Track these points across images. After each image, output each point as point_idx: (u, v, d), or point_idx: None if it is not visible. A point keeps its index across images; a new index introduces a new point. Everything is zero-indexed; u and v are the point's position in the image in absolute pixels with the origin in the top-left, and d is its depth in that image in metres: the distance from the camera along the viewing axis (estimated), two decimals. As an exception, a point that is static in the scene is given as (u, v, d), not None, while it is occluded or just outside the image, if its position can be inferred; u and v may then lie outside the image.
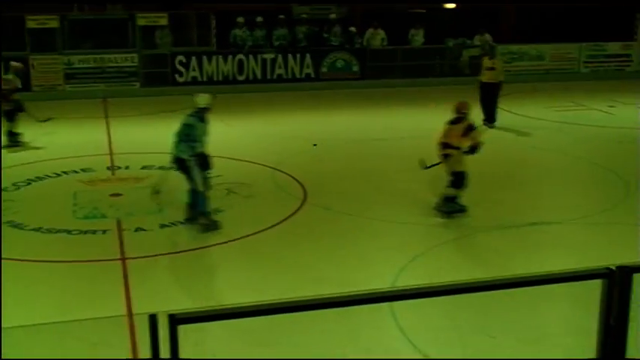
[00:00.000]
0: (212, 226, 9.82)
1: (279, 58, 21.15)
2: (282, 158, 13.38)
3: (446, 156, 10.39)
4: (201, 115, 9.84)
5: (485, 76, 16.65)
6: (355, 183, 12.28)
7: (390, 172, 12.95)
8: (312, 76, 21.47)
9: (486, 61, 16.92)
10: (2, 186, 11.66)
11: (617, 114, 18.02)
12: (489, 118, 16.44)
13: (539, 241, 9.74)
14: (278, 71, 21.20)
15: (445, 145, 10.38)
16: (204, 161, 9.74)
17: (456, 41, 22.45)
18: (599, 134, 15.88)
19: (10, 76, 14.98)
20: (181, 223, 10.03)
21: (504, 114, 17.82)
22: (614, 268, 3.79)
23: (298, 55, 21.31)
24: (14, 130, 14.54)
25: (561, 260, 8.60)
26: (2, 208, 10.59)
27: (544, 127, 16.56)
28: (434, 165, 10.67)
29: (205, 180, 9.85)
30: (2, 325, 6.50)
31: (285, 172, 12.36)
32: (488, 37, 22.55)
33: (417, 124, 16.83)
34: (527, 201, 11.47)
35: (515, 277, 3.82)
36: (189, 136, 9.65)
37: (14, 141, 14.47)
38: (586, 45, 23.17)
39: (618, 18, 23.61)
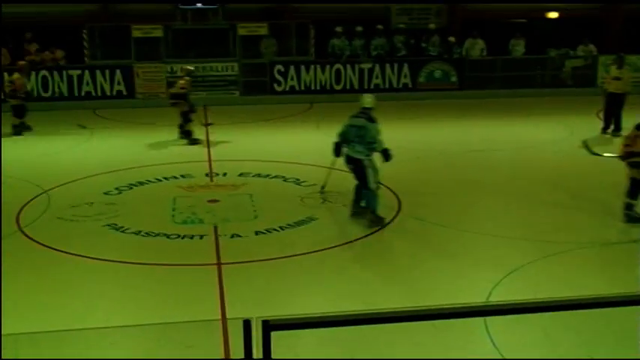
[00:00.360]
0: (378, 222, 10.34)
1: (377, 68, 21.16)
2: (377, 168, 13.31)
3: (633, 165, 10.15)
4: (368, 115, 10.40)
5: (612, 86, 16.39)
6: (451, 194, 12.12)
7: (488, 185, 12.74)
8: (410, 86, 21.38)
9: (613, 71, 16.67)
10: (105, 190, 12.07)
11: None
12: (617, 127, 16.28)
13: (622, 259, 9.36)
14: (375, 81, 21.21)
15: (630, 154, 10.13)
16: (386, 156, 10.34)
17: (559, 51, 21.93)
18: None
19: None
20: (275, 230, 10.13)
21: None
22: None
23: (396, 65, 21.27)
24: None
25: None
26: (103, 211, 10.96)
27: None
28: (596, 154, 10.74)
29: (377, 179, 10.38)
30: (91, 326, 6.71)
31: (380, 183, 12.31)
32: (592, 47, 21.96)
33: (515, 135, 16.53)
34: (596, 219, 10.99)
35: (617, 295, 3.68)
36: (364, 137, 10.21)
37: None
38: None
39: None
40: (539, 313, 3.51)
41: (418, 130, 17.24)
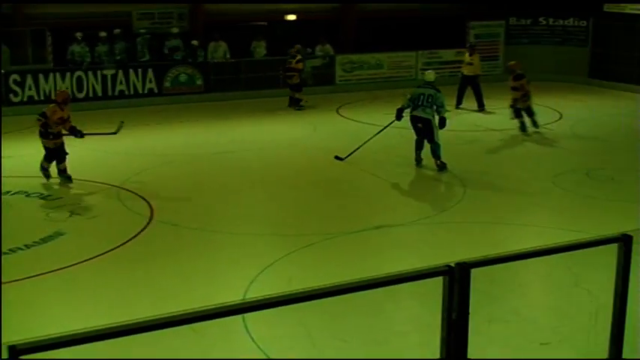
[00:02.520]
0: (444, 167, 13.45)
1: (120, 74, 20.67)
2: (127, 176, 13.07)
3: None
4: (433, 86, 13.66)
5: (466, 70, 20.12)
6: (203, 197, 12.21)
7: (237, 185, 12.97)
8: (156, 91, 21.12)
9: (466, 57, 20.21)
10: None
11: (453, 117, 18.85)
12: (480, 104, 19.88)
13: (383, 243, 10.06)
14: (120, 87, 20.70)
15: None
16: (443, 122, 13.53)
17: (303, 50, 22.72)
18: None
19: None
20: (20, 249, 9.59)
21: (345, 122, 18.30)
22: (453, 265, 3.99)
23: (140, 70, 20.92)
24: None
25: (405, 260, 8.91)
26: None
27: (385, 133, 17.07)
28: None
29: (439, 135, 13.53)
30: None
31: (130, 191, 12.09)
32: (329, 47, 23.04)
33: (263, 135, 16.95)
34: (371, 206, 11.81)
35: (361, 280, 3.92)
36: (432, 103, 13.35)
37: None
38: (422, 53, 24.11)
39: (451, 27, 24.74)
40: (294, 305, 3.65)
41: (167, 135, 17.11)
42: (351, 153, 14.14)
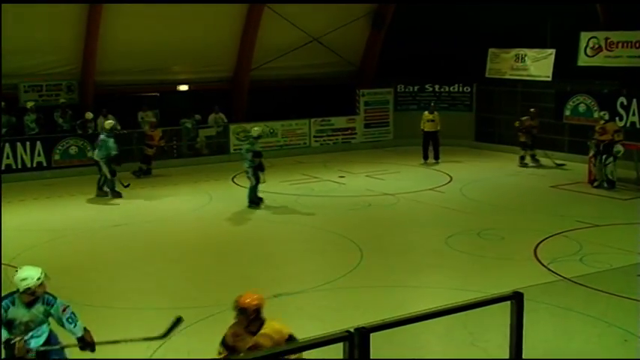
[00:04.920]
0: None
1: (7, 147, 20.03)
2: (17, 252, 12.53)
3: None
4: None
5: (427, 126, 22.16)
6: (98, 272, 11.86)
7: (134, 259, 12.67)
8: (45, 164, 20.55)
9: (427, 115, 22.30)
10: None
11: (348, 183, 19.17)
12: (436, 157, 22.03)
13: (283, 311, 9.97)
14: (6, 161, 20.04)
15: None
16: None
17: (192, 121, 22.67)
18: (333, 204, 16.76)
19: None
20: None
21: (241, 190, 18.26)
22: (352, 330, 4.00)
23: (28, 144, 20.34)
24: None
25: (306, 327, 8.84)
26: None
27: (281, 200, 17.18)
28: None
29: None
30: None
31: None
32: (222, 116, 23.11)
33: (159, 207, 16.70)
34: (270, 273, 11.76)
35: (257, 353, 3.88)
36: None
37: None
38: (315, 120, 24.52)
39: (342, 95, 25.31)
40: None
41: (57, 210, 16.62)
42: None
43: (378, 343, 4.12)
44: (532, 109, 21.64)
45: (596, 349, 8.60)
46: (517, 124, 21.45)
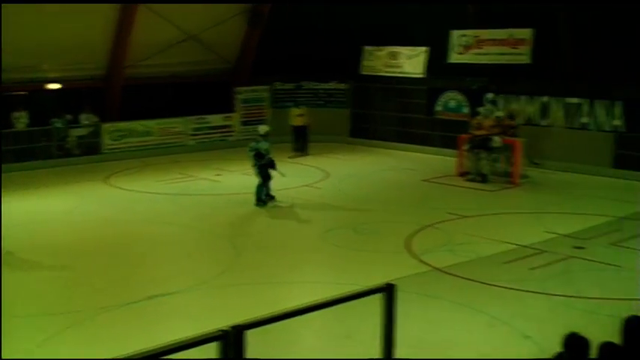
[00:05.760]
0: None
1: None
2: None
3: None
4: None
5: (297, 121, 23.19)
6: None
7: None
8: None
9: (295, 110, 23.35)
10: None
11: (224, 181, 19.08)
12: (304, 151, 22.92)
13: (158, 313, 9.84)
14: None
15: None
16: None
17: (62, 121, 21.94)
18: (209, 202, 16.63)
19: None
20: None
21: (116, 191, 17.85)
22: (227, 329, 4.00)
23: None
24: None
25: (181, 328, 8.75)
26: None
27: (157, 200, 16.91)
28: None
29: None
30: None
31: None
32: (93, 116, 22.48)
33: (29, 210, 16.05)
34: (145, 275, 11.56)
35: (130, 356, 3.82)
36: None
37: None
38: (191, 119, 24.25)
39: (219, 92, 25.14)
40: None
41: None
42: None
43: (253, 340, 4.14)
44: (511, 110, 20.69)
45: (463, 335, 8.94)
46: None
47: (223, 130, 25.12)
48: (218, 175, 19.87)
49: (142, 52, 23.24)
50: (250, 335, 4.12)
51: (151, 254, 12.90)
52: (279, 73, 25.75)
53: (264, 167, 16.07)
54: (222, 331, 4.01)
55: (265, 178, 16.15)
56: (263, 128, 16.86)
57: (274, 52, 24.77)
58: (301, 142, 23.34)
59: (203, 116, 24.57)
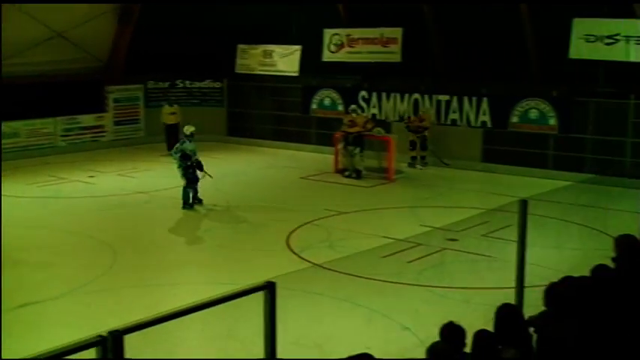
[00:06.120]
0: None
1: None
2: None
3: None
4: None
5: (169, 119, 23.12)
6: None
7: None
8: None
9: (167, 108, 23.32)
10: None
11: (98, 183, 18.58)
12: (170, 149, 20.87)
13: (33, 321, 9.48)
14: None
15: None
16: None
17: None
18: (83, 204, 16.16)
19: None
20: None
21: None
22: (105, 334, 3.90)
23: None
24: None
25: (57, 336, 8.46)
26: None
27: (27, 204, 16.28)
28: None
29: None
30: None
31: None
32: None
33: None
34: (16, 283, 11.09)
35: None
36: None
37: None
38: (61, 119, 23.44)
39: (89, 92, 24.40)
40: None
41: None
42: None
43: (133, 345, 4.06)
44: (423, 110, 20.94)
45: (344, 329, 9.08)
46: (405, 122, 20.68)
47: (95, 130, 24.44)
48: (91, 177, 19.32)
49: (7, 51, 22.26)
50: (129, 340, 4.03)
51: (22, 260, 12.37)
52: (153, 72, 25.28)
53: (189, 169, 15.54)
54: (99, 336, 3.90)
55: (192, 181, 15.61)
56: (188, 128, 16.30)
57: (147, 50, 24.28)
58: (174, 141, 22.94)
59: (74, 116, 23.80)
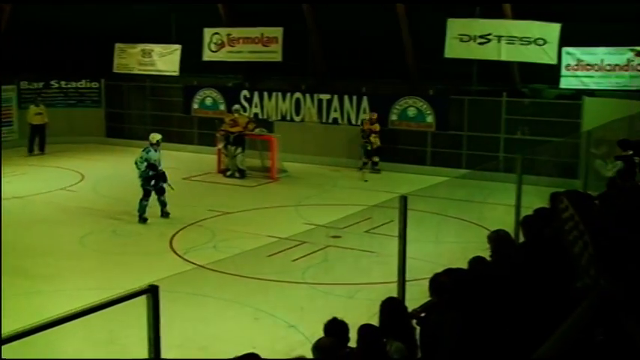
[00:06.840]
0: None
1: None
2: None
3: None
4: None
5: (35, 120, 22.65)
6: None
7: None
8: None
9: (34, 109, 22.81)
10: None
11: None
12: (41, 148, 22.64)
13: None
14: None
15: None
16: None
17: None
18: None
19: None
20: None
21: None
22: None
23: None
24: None
25: None
26: None
27: None
28: None
29: None
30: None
31: None
32: None
33: None
34: None
35: None
36: None
37: None
38: None
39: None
40: None
41: None
42: None
43: (11, 355, 3.93)
44: (372, 114, 19.91)
45: (230, 330, 9.06)
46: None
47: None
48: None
49: None
50: (8, 350, 3.90)
51: None
52: (27, 72, 24.34)
53: (150, 180, 14.58)
54: None
55: (160, 192, 14.71)
56: (155, 136, 15.16)
57: (20, 50, 23.36)
58: (40, 142, 22.83)
59: None
